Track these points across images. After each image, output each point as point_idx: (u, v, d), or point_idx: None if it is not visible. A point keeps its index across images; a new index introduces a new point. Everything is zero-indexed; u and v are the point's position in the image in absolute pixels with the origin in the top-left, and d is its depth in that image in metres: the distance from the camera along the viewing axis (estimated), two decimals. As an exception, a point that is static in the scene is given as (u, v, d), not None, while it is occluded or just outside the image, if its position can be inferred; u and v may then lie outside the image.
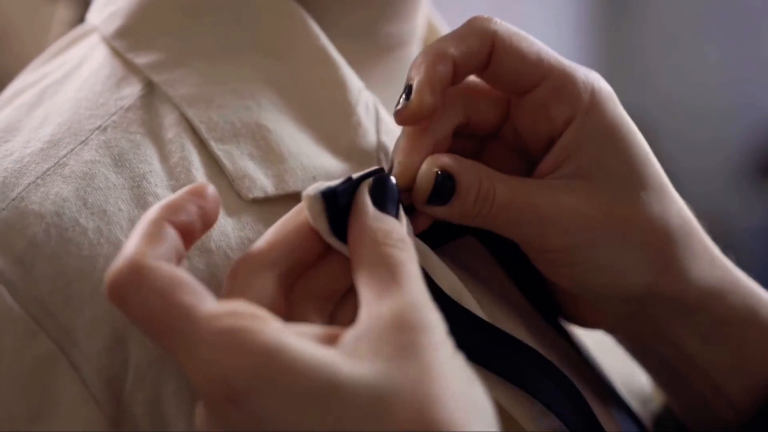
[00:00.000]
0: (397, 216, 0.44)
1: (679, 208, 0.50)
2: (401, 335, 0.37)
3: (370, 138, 0.50)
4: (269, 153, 0.48)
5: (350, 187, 0.44)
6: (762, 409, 0.52)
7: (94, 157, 0.45)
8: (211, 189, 0.42)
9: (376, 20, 0.54)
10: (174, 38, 0.50)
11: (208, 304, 0.38)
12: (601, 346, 0.59)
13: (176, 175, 0.46)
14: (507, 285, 0.54)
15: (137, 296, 0.38)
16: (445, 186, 0.47)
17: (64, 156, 0.45)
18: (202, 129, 0.47)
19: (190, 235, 0.41)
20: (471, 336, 0.46)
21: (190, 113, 0.48)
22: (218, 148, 0.47)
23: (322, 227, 0.43)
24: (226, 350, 0.37)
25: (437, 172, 0.46)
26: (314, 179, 0.48)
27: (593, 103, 0.49)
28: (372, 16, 0.54)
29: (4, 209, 0.43)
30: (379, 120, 0.51)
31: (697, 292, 0.50)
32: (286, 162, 0.48)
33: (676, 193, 0.51)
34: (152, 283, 0.38)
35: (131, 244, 0.39)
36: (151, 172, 0.46)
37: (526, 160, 0.51)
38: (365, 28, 0.54)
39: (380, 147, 0.51)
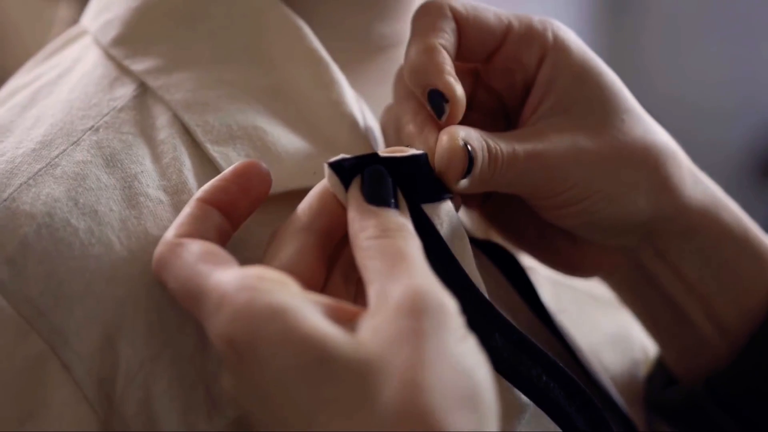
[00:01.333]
0: (397, 204, 0.44)
1: (659, 129, 0.52)
2: (406, 320, 0.37)
3: (368, 138, 0.51)
4: (266, 153, 0.48)
5: (362, 162, 0.44)
6: (755, 336, 0.53)
7: (85, 158, 0.46)
8: (256, 167, 0.44)
9: (369, 21, 0.54)
10: (169, 45, 0.50)
11: (228, 269, 0.40)
12: (594, 310, 0.59)
13: (168, 176, 0.46)
14: (507, 290, 0.54)
15: (171, 269, 0.41)
16: (469, 160, 0.47)
17: (56, 156, 0.45)
18: (198, 132, 0.48)
19: (234, 213, 0.44)
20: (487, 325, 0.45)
21: (186, 117, 0.48)
22: (214, 150, 0.47)
23: (340, 194, 0.44)
24: (235, 310, 0.38)
25: (466, 146, 0.47)
26: (314, 174, 0.48)
27: (558, 40, 0.51)
28: (365, 17, 0.54)
29: None
30: (366, 118, 0.51)
31: (695, 211, 0.52)
32: (283, 161, 0.48)
33: (651, 118, 0.52)
34: (183, 256, 0.41)
35: (173, 225, 0.43)
36: (142, 172, 0.46)
37: (504, 120, 0.53)
38: (358, 29, 0.54)
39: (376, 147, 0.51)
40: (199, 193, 0.44)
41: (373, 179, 0.44)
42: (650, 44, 2.83)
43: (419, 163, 0.46)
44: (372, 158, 0.45)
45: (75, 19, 0.66)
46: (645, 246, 0.53)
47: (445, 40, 0.49)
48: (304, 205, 0.44)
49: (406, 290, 0.38)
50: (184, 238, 0.42)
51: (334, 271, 0.44)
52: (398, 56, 0.56)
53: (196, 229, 0.42)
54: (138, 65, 0.50)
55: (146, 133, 0.47)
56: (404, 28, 0.55)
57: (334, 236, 0.44)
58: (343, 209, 0.44)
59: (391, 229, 0.42)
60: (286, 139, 0.49)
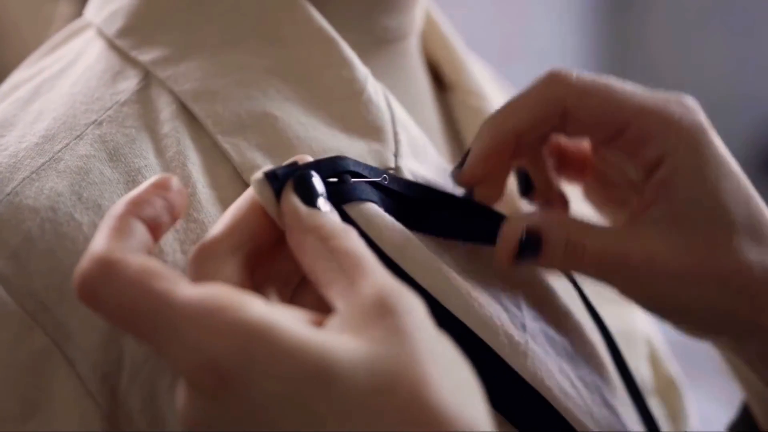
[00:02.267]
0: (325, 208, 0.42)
1: None
2: (385, 319, 0.36)
3: (384, 114, 0.50)
4: (277, 141, 0.48)
5: (293, 170, 0.43)
6: None
7: (89, 152, 0.45)
8: (175, 181, 0.41)
9: (373, 13, 0.54)
10: (176, 33, 0.50)
11: (185, 288, 0.36)
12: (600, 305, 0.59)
13: (172, 170, 0.46)
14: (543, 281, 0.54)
15: (109, 290, 0.36)
16: (530, 243, 0.48)
17: (59, 151, 0.45)
18: (209, 123, 0.47)
19: (157, 228, 0.40)
20: None
21: (196, 108, 0.48)
22: (225, 141, 0.47)
23: (272, 210, 0.42)
24: (211, 331, 0.35)
25: (522, 233, 0.48)
26: None
27: (682, 142, 0.48)
28: (369, 9, 0.53)
29: None
30: (388, 98, 0.51)
31: None
32: (294, 149, 0.47)
33: None
34: (123, 275, 0.36)
35: (97, 241, 0.38)
36: (146, 166, 0.46)
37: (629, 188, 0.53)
38: (363, 21, 0.53)
39: (394, 121, 0.50)
40: (123, 206, 0.39)
41: (307, 183, 0.42)
42: (653, 41, 2.83)
43: (337, 164, 0.45)
44: (296, 166, 0.43)
45: (75, 15, 0.66)
46: (742, 345, 0.52)
47: (527, 124, 0.49)
48: (227, 225, 0.41)
49: (376, 290, 0.37)
50: (117, 254, 0.37)
51: (266, 284, 0.42)
52: (403, 49, 0.56)
53: (126, 246, 0.38)
54: (145, 55, 0.49)
55: (150, 126, 0.47)
56: (409, 21, 0.55)
57: (261, 251, 0.42)
58: (266, 224, 0.42)
59: (339, 230, 0.40)
60: (297, 124, 0.48)
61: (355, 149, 0.48)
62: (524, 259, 0.49)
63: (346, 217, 0.45)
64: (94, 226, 0.43)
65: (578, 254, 0.48)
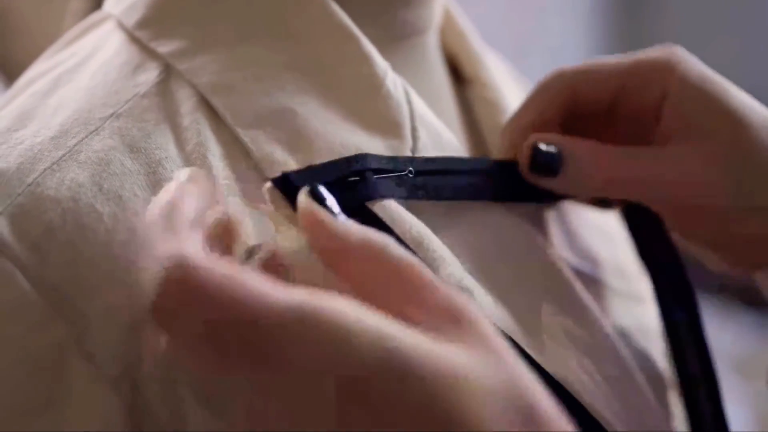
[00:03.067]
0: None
1: None
2: (464, 326, 0.37)
3: (403, 109, 0.50)
4: (295, 135, 0.47)
5: (308, 173, 0.44)
6: None
7: (109, 144, 0.45)
8: (195, 172, 0.40)
9: (392, 7, 0.53)
10: (194, 26, 0.50)
11: (292, 294, 0.35)
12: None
13: (192, 162, 0.46)
14: (556, 259, 0.54)
15: (214, 296, 0.34)
16: (550, 159, 0.51)
17: (80, 142, 0.45)
18: (228, 116, 0.47)
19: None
20: None
21: (215, 101, 0.47)
22: (245, 134, 0.47)
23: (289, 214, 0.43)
24: (347, 344, 0.34)
25: (534, 144, 0.51)
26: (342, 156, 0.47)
27: (675, 76, 0.52)
28: (388, 3, 0.53)
29: (20, 194, 0.43)
30: (408, 93, 0.51)
31: None
32: (312, 143, 0.47)
33: None
34: (236, 280, 0.34)
35: (182, 243, 0.35)
36: (167, 158, 0.46)
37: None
38: (382, 15, 0.53)
39: (414, 116, 0.50)
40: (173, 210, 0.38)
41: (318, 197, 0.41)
42: (665, 39, 2.83)
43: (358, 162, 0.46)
44: (312, 170, 0.44)
45: (86, 11, 0.66)
46: None
47: (541, 117, 0.53)
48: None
49: (448, 300, 0.37)
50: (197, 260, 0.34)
51: None
52: (422, 43, 0.55)
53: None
54: (164, 47, 0.49)
55: (170, 119, 0.47)
56: (428, 15, 0.55)
57: None
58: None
59: (381, 243, 0.39)
60: (316, 118, 0.48)
61: (373, 145, 0.48)
62: (544, 173, 0.52)
63: (369, 215, 0.45)
64: (115, 217, 0.43)
65: (601, 171, 0.51)
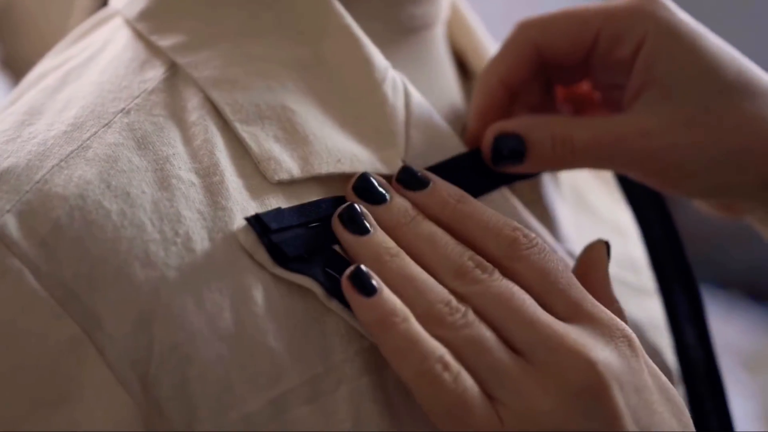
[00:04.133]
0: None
1: None
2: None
3: (398, 116, 0.50)
4: (294, 135, 0.48)
5: (278, 212, 0.45)
6: None
7: (117, 140, 0.45)
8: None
9: (398, 1, 0.53)
10: (198, 20, 0.50)
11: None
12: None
13: (200, 158, 0.46)
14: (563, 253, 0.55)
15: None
16: (513, 147, 0.51)
17: (88, 139, 0.45)
18: (227, 111, 0.47)
19: None
20: None
21: (215, 95, 0.47)
22: (243, 130, 0.47)
23: (263, 258, 0.44)
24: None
25: (493, 136, 0.51)
26: (339, 162, 0.47)
27: (650, 25, 0.51)
28: None
29: (28, 192, 0.43)
30: (408, 95, 0.51)
31: None
32: (311, 144, 0.48)
33: None
34: None
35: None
36: (174, 154, 0.46)
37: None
38: (388, 9, 0.53)
39: (409, 122, 0.50)
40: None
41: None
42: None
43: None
44: (281, 213, 0.45)
45: (94, 7, 0.66)
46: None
47: (510, 71, 0.53)
48: None
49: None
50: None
51: None
52: (429, 37, 0.55)
53: None
54: (165, 41, 0.49)
55: (177, 115, 0.47)
56: (435, 9, 0.55)
57: None
58: None
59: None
60: (314, 120, 0.48)
61: (363, 154, 0.49)
62: (509, 162, 0.52)
63: (335, 255, 0.46)
64: (123, 214, 0.43)
65: (567, 148, 0.50)
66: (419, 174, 0.48)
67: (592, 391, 0.42)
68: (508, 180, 0.53)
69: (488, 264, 0.45)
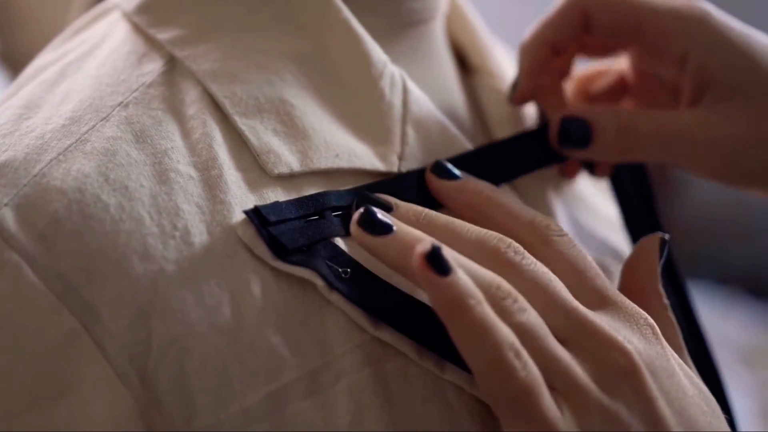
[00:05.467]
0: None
1: None
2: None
3: (394, 113, 0.50)
4: (293, 129, 0.48)
5: (277, 205, 0.45)
6: None
7: (115, 134, 0.45)
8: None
9: None
10: (196, 14, 0.50)
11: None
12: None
13: (198, 152, 0.46)
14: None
15: None
16: (577, 131, 0.53)
17: (86, 132, 0.45)
18: (226, 104, 0.47)
19: None
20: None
21: (214, 88, 0.47)
22: (242, 123, 0.47)
23: (262, 251, 0.44)
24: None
25: (560, 119, 0.54)
26: (337, 157, 0.47)
27: (699, 30, 0.53)
28: None
29: (26, 185, 0.43)
30: (406, 91, 0.51)
31: None
32: (309, 138, 0.48)
33: None
34: None
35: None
36: (172, 148, 0.45)
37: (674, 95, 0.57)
38: (388, 3, 0.53)
39: (405, 119, 0.50)
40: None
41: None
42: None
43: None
44: (279, 205, 0.45)
45: (93, 2, 0.66)
46: None
47: (556, 34, 0.55)
48: None
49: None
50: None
51: None
52: (428, 32, 0.55)
53: None
54: (164, 34, 0.49)
55: (175, 108, 0.47)
56: (434, 3, 0.55)
57: None
58: None
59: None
60: (313, 114, 0.48)
61: (361, 150, 0.49)
62: (576, 147, 0.54)
63: (334, 248, 0.45)
64: (121, 208, 0.43)
65: (632, 137, 0.53)
66: (449, 167, 0.49)
67: (630, 377, 0.42)
68: (526, 170, 0.54)
69: (519, 246, 0.45)
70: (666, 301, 0.48)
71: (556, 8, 0.56)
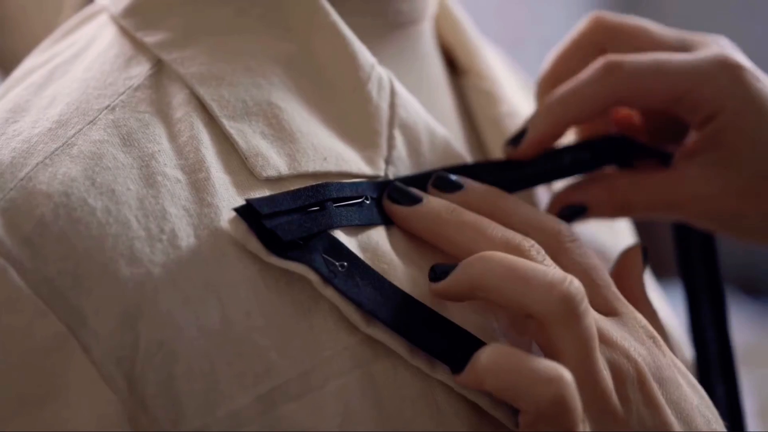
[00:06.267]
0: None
1: None
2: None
3: (381, 116, 0.50)
4: (281, 132, 0.47)
5: (271, 198, 0.45)
6: None
7: (102, 137, 0.45)
8: None
9: None
10: (183, 16, 0.50)
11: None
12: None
13: (185, 155, 0.46)
14: None
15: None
16: (575, 214, 0.54)
17: (73, 136, 0.45)
18: (214, 107, 0.47)
19: None
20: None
21: (201, 91, 0.47)
22: (230, 126, 0.47)
23: (255, 247, 0.44)
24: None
25: (559, 207, 0.54)
26: (325, 160, 0.47)
27: (733, 100, 0.52)
28: None
29: (12, 189, 0.43)
30: (394, 94, 0.50)
31: None
32: (297, 142, 0.47)
33: None
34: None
35: None
36: (159, 151, 0.45)
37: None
38: (376, 4, 0.53)
39: (392, 123, 0.50)
40: None
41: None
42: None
43: (319, 192, 0.46)
44: (275, 198, 0.45)
45: (84, 2, 0.65)
46: None
47: (582, 112, 0.54)
48: None
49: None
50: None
51: None
52: (416, 33, 0.55)
53: None
54: (151, 37, 0.49)
55: (163, 111, 0.47)
56: (422, 5, 0.55)
57: None
58: None
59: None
60: (300, 118, 0.48)
61: (348, 153, 0.48)
62: (573, 220, 0.54)
63: (332, 241, 0.45)
64: (108, 211, 0.43)
65: (624, 210, 0.54)
66: (452, 178, 0.49)
67: (640, 385, 0.44)
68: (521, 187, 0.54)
69: (541, 247, 0.46)
70: (654, 308, 0.50)
71: (590, 85, 0.53)
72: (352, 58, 0.50)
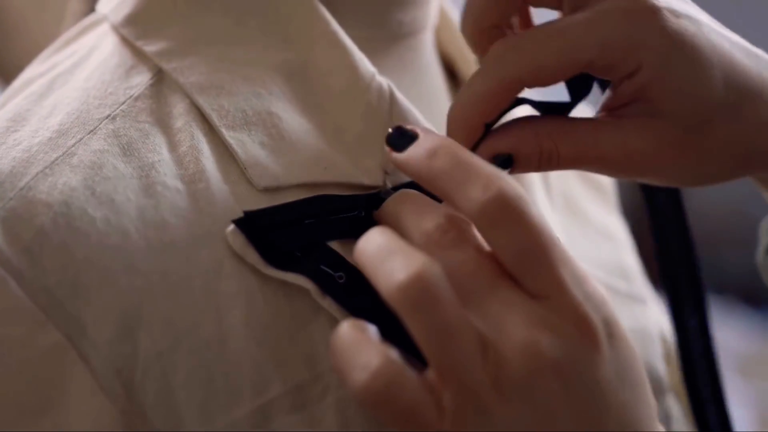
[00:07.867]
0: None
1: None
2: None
3: (380, 125, 0.49)
4: (280, 142, 0.47)
5: (269, 210, 0.45)
6: None
7: (102, 147, 0.45)
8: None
9: (387, 7, 0.53)
10: (184, 26, 0.50)
11: None
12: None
13: (185, 165, 0.46)
14: None
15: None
16: (503, 161, 0.48)
17: (73, 145, 0.45)
18: (214, 117, 0.47)
19: None
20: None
21: (201, 101, 0.47)
22: (229, 136, 0.47)
23: (254, 259, 0.44)
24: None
25: (487, 157, 0.47)
26: (324, 170, 0.47)
27: (650, 53, 0.46)
28: (383, 3, 0.53)
29: (12, 198, 0.43)
30: (394, 103, 0.50)
31: None
32: (296, 151, 0.47)
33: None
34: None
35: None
36: (160, 161, 0.45)
37: None
38: (376, 16, 0.53)
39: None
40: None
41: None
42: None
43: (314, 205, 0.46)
44: (272, 211, 0.45)
45: (85, 12, 0.65)
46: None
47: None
48: None
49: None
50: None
51: None
52: (417, 44, 0.55)
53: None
54: (151, 46, 0.49)
55: (163, 121, 0.47)
56: (423, 16, 0.55)
57: None
58: None
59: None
60: (299, 127, 0.48)
61: (347, 163, 0.48)
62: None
63: (329, 252, 0.45)
64: (107, 221, 0.43)
65: (553, 161, 0.48)
66: (407, 129, 0.45)
67: (533, 380, 0.40)
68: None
69: (454, 230, 0.43)
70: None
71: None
72: (351, 67, 0.49)
